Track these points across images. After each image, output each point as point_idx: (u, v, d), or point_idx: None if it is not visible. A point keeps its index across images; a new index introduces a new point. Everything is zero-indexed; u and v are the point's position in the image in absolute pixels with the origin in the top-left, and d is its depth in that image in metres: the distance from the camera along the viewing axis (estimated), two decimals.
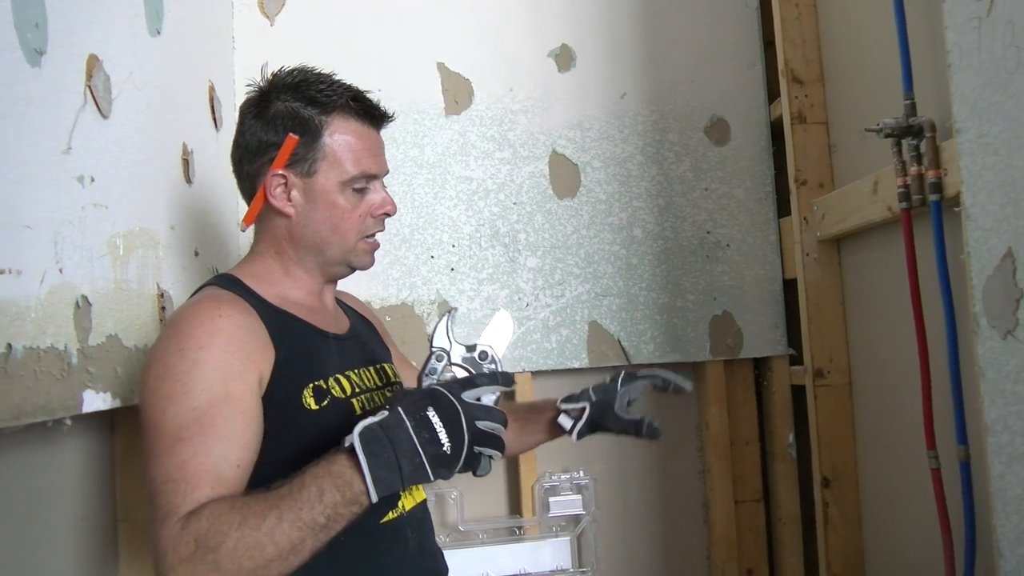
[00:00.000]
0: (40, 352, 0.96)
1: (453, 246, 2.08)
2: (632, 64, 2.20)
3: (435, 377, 1.12)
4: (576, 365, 2.09)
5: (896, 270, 1.65)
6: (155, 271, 1.35)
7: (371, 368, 1.27)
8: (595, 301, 2.12)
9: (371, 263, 1.27)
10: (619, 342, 2.11)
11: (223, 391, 1.02)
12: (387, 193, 1.25)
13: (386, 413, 0.98)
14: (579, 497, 2.10)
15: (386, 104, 1.27)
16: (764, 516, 2.23)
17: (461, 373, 1.12)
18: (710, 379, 2.18)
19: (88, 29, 1.14)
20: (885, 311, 1.80)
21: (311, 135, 1.18)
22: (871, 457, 1.90)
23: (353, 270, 1.27)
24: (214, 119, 1.75)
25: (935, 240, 1.48)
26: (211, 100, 1.74)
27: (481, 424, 0.99)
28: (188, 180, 1.54)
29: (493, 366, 1.13)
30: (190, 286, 1.46)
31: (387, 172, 1.26)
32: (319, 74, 1.22)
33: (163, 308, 1.36)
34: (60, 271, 1.02)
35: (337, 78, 1.23)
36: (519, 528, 2.08)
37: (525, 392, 2.07)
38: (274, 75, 1.23)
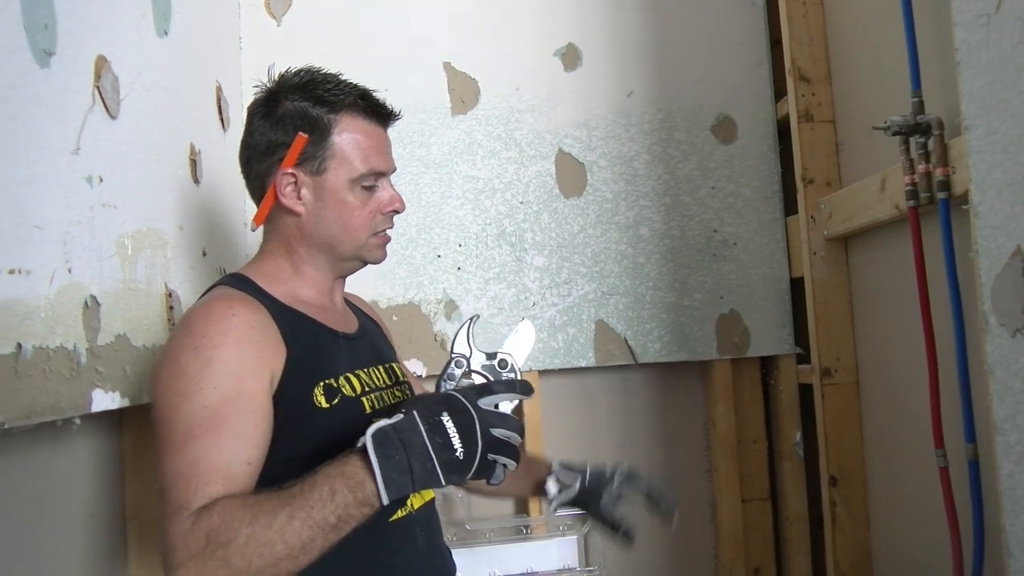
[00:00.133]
0: (49, 352, 0.97)
1: (460, 245, 2.08)
2: (639, 63, 2.20)
3: (453, 383, 1.11)
4: (583, 364, 2.09)
5: (904, 268, 1.65)
6: (163, 271, 1.35)
7: (380, 367, 1.28)
8: (602, 300, 2.12)
9: (383, 257, 1.28)
10: (626, 341, 2.11)
11: (235, 389, 1.02)
12: (395, 190, 1.26)
13: (401, 416, 0.98)
14: None
15: (393, 104, 1.28)
16: (771, 515, 2.22)
17: (480, 380, 1.11)
18: (717, 378, 2.17)
19: (96, 30, 1.14)
20: (893, 309, 1.79)
21: (320, 134, 1.19)
22: (879, 456, 1.89)
23: (365, 264, 1.27)
24: (221, 119, 1.75)
25: (943, 238, 1.47)
26: (218, 100, 1.75)
27: (496, 432, 0.99)
28: (196, 180, 1.54)
29: (512, 375, 1.13)
30: (198, 286, 1.47)
31: (395, 170, 1.27)
32: (326, 74, 1.23)
33: (171, 308, 1.36)
34: (69, 271, 1.03)
35: (344, 77, 1.24)
36: (526, 527, 2.08)
37: None
38: (281, 76, 1.24)
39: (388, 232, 1.27)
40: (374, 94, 1.25)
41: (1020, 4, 1.11)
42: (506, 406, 1.04)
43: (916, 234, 1.57)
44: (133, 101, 1.25)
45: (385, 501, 0.95)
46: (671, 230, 2.17)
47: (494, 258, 2.09)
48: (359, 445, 0.96)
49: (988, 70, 1.18)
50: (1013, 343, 1.15)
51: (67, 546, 1.17)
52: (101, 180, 1.13)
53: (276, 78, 1.24)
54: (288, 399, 1.09)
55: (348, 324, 1.29)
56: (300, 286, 1.23)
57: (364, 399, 1.19)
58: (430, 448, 0.95)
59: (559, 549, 2.07)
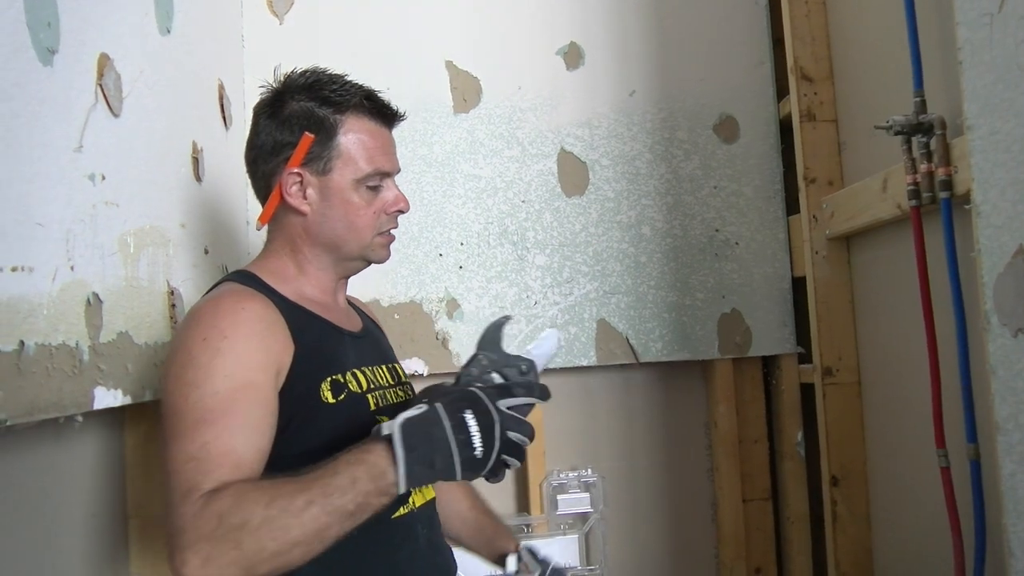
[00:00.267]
0: (52, 349, 0.97)
1: (462, 244, 2.08)
2: (641, 62, 2.20)
3: (475, 378, 1.11)
4: (584, 363, 2.09)
5: (906, 268, 1.65)
6: (165, 269, 1.35)
7: (383, 366, 1.29)
8: (603, 299, 2.12)
9: (387, 256, 1.29)
10: (627, 340, 2.11)
11: (245, 379, 1.04)
12: (400, 191, 1.26)
13: (425, 408, 0.99)
14: (587, 495, 2.11)
15: (395, 103, 1.28)
16: (772, 515, 2.22)
17: (499, 379, 1.12)
18: (719, 377, 2.17)
19: (99, 28, 1.14)
20: (895, 309, 1.79)
21: (326, 134, 1.20)
22: (880, 456, 1.89)
23: (369, 264, 1.28)
24: (224, 118, 1.75)
25: (945, 238, 1.47)
26: (221, 99, 1.75)
27: (512, 435, 1.00)
28: (198, 178, 1.54)
29: (532, 379, 1.12)
30: (200, 284, 1.47)
31: (399, 170, 1.28)
32: (332, 75, 1.24)
33: (173, 306, 1.37)
34: (72, 269, 1.03)
35: (349, 78, 1.25)
36: (527, 526, 2.09)
37: None
38: (287, 76, 1.25)
39: (392, 232, 1.28)
40: (379, 95, 1.26)
41: (1023, 3, 1.11)
42: (521, 410, 1.05)
43: (918, 234, 1.57)
44: (135, 99, 1.25)
45: (402, 490, 0.96)
46: (673, 229, 2.17)
47: (496, 257, 2.09)
48: (384, 432, 0.97)
49: (991, 69, 1.17)
50: (1015, 343, 1.15)
51: (69, 543, 1.17)
52: (104, 178, 1.13)
53: (282, 78, 1.25)
54: (295, 394, 1.09)
55: (352, 323, 1.30)
56: (305, 285, 1.24)
57: (369, 396, 1.20)
58: (453, 445, 0.96)
59: (561, 548, 2.07)
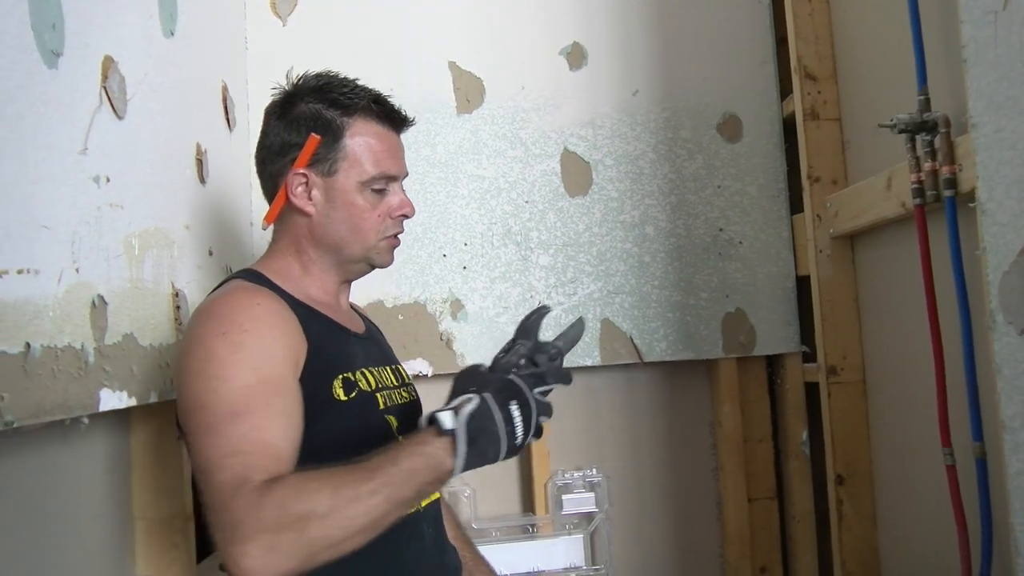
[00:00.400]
0: (58, 351, 0.97)
1: (465, 244, 2.08)
2: (644, 61, 2.20)
3: (510, 363, 1.15)
4: (588, 363, 2.09)
5: (910, 266, 1.64)
6: (170, 270, 1.35)
7: (387, 368, 1.30)
8: (607, 299, 2.12)
9: (391, 261, 1.29)
10: (631, 340, 2.11)
11: (270, 371, 1.05)
12: (406, 195, 1.27)
13: (478, 401, 1.02)
14: (592, 495, 2.11)
15: (399, 103, 1.29)
16: (778, 514, 2.22)
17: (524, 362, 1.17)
18: (723, 377, 2.17)
19: (103, 30, 1.15)
20: (899, 308, 1.79)
21: (333, 135, 1.21)
22: (885, 454, 1.89)
23: (373, 268, 1.29)
24: (227, 119, 1.76)
25: (950, 236, 1.47)
26: (224, 100, 1.75)
27: (541, 419, 1.06)
28: (202, 180, 1.54)
29: (559, 364, 1.17)
30: (205, 285, 1.47)
31: (406, 174, 1.29)
32: (342, 78, 1.25)
33: (178, 307, 1.37)
34: (77, 271, 1.03)
35: (360, 82, 1.26)
36: (532, 526, 2.09)
37: None
38: (299, 78, 1.26)
39: (398, 237, 1.28)
40: (389, 99, 1.27)
41: None
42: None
43: (923, 232, 1.56)
44: (140, 101, 1.25)
45: (455, 476, 1.01)
46: (677, 229, 2.16)
47: (500, 257, 2.09)
48: (446, 426, 0.99)
49: (995, 67, 1.17)
50: (1021, 341, 1.14)
51: (74, 544, 1.17)
52: (108, 180, 1.13)
53: (294, 80, 1.26)
54: (308, 390, 1.10)
55: (356, 325, 1.32)
56: (310, 285, 1.25)
57: (378, 395, 1.21)
58: (503, 436, 1.01)
59: (565, 548, 2.07)
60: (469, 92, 2.12)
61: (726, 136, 2.21)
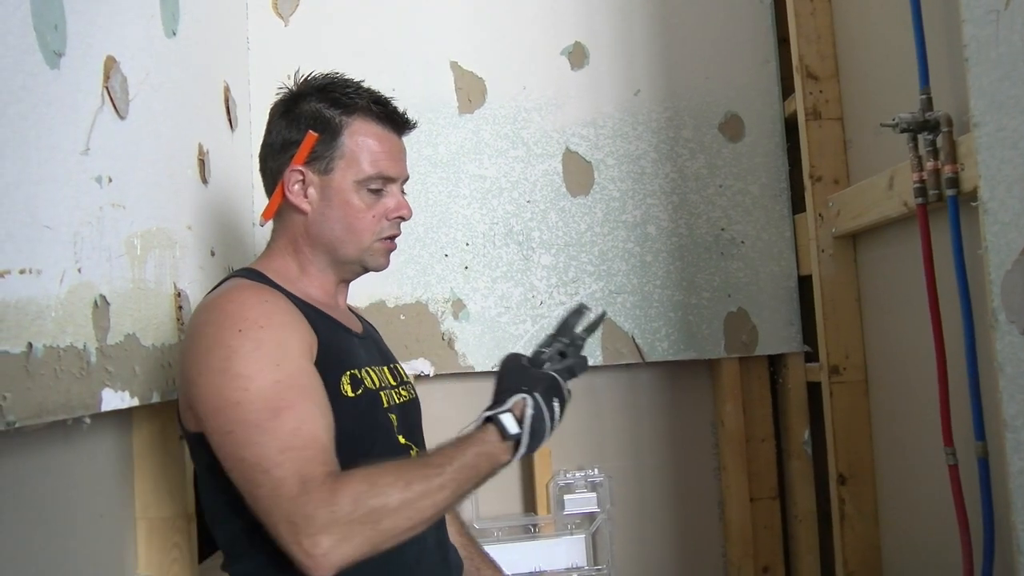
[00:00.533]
0: (60, 351, 0.97)
1: (467, 244, 2.08)
2: (646, 61, 2.20)
3: (548, 359, 1.23)
4: (590, 363, 2.07)
5: (912, 266, 1.64)
6: (172, 270, 1.36)
7: (386, 367, 1.30)
8: (609, 299, 2.11)
9: (386, 264, 1.28)
10: (633, 339, 2.11)
11: (295, 365, 1.06)
12: (404, 198, 1.27)
13: (532, 403, 1.09)
14: (594, 495, 2.11)
15: (400, 103, 1.29)
16: (780, 513, 2.22)
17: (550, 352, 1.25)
18: (725, 376, 2.17)
19: (106, 31, 1.15)
20: (901, 307, 1.79)
21: (331, 133, 1.21)
22: (888, 454, 1.89)
23: (367, 270, 1.28)
24: (229, 120, 1.76)
25: (952, 235, 1.47)
26: (226, 101, 1.75)
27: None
28: (204, 180, 1.55)
29: (584, 355, 1.26)
30: (207, 285, 1.47)
31: (406, 177, 1.28)
32: (346, 79, 1.26)
33: (180, 307, 1.37)
34: (79, 271, 1.03)
35: (365, 84, 1.26)
36: (534, 526, 2.09)
37: None
38: (304, 78, 1.27)
39: (394, 240, 1.28)
40: (391, 101, 1.27)
41: None
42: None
43: (925, 231, 1.56)
44: (142, 101, 1.26)
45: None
46: (679, 228, 2.16)
47: (501, 257, 2.09)
48: (511, 431, 1.07)
49: (997, 66, 1.17)
50: (1023, 340, 1.14)
51: (77, 544, 1.18)
52: (110, 180, 1.13)
53: (299, 80, 1.27)
54: None
55: (354, 325, 1.32)
56: (308, 285, 1.25)
57: (381, 393, 1.21)
58: (548, 432, 1.11)
59: (567, 548, 2.07)
60: (471, 92, 2.12)
61: (728, 135, 2.21)
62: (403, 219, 1.27)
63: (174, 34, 1.43)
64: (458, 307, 2.06)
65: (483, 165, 2.11)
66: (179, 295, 1.37)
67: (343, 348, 1.20)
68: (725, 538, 2.20)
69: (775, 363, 2.25)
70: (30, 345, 0.91)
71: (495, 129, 2.12)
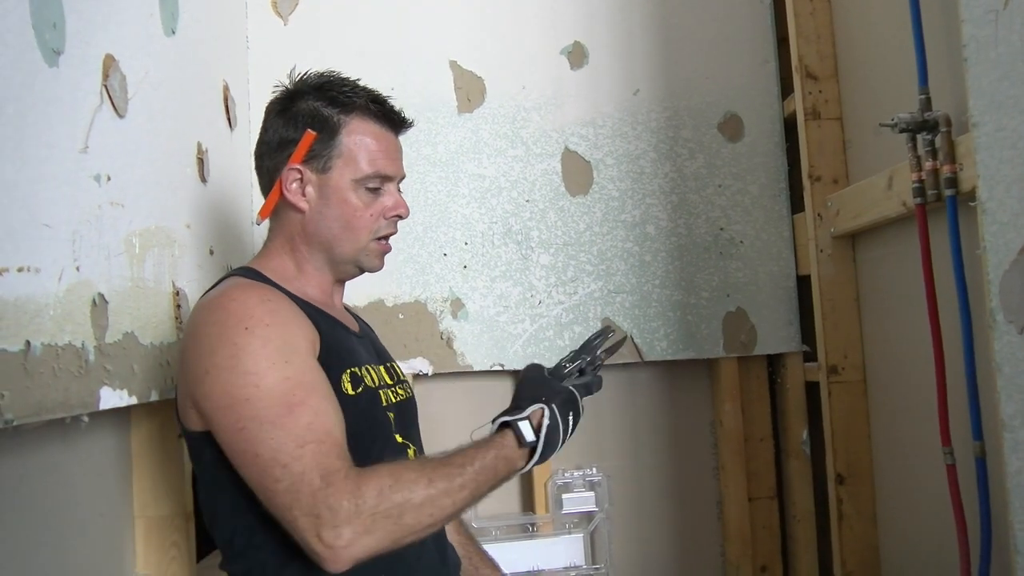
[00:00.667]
0: (58, 349, 0.97)
1: (466, 244, 2.08)
2: (645, 60, 2.20)
3: (569, 369, 1.29)
4: None
5: (911, 266, 1.64)
6: (171, 269, 1.36)
7: (383, 366, 1.30)
8: (608, 298, 2.12)
9: (380, 266, 1.29)
10: (632, 339, 2.11)
11: (302, 361, 1.07)
12: (401, 196, 1.27)
13: (550, 415, 1.14)
14: (592, 494, 2.11)
15: (400, 102, 1.30)
16: (778, 513, 2.22)
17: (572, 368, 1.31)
18: (724, 376, 2.17)
19: (104, 29, 1.15)
20: (900, 307, 1.79)
21: (329, 132, 1.21)
22: (886, 454, 1.89)
23: (362, 271, 1.29)
24: (228, 118, 1.76)
25: (950, 235, 1.47)
26: (225, 99, 1.75)
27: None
28: (203, 179, 1.55)
29: (600, 374, 1.31)
30: (205, 284, 1.47)
31: (403, 176, 1.29)
32: (343, 78, 1.26)
33: (179, 306, 1.37)
34: (77, 269, 1.03)
35: (362, 83, 1.27)
36: (532, 525, 2.09)
37: None
38: (301, 76, 1.27)
39: (389, 240, 1.28)
40: (388, 100, 1.27)
41: None
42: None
43: (923, 231, 1.56)
44: (141, 100, 1.26)
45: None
46: (678, 228, 2.16)
47: (500, 256, 2.09)
48: (527, 439, 1.12)
49: (996, 66, 1.17)
50: (1021, 340, 1.14)
51: (75, 543, 1.18)
52: (109, 179, 1.13)
53: (296, 78, 1.27)
54: None
55: (351, 324, 1.32)
56: (305, 284, 1.25)
57: (380, 391, 1.22)
58: (561, 443, 1.17)
59: (566, 547, 2.07)
60: (470, 91, 2.12)
61: (727, 135, 2.21)
62: (400, 217, 1.27)
63: (173, 33, 1.43)
64: (457, 306, 2.06)
65: (482, 164, 2.11)
66: (178, 294, 1.37)
67: (344, 346, 1.20)
68: (723, 537, 2.20)
69: (774, 363, 2.25)
70: (28, 343, 0.91)
71: (494, 128, 2.12)
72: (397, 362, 1.39)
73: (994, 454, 1.39)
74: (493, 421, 1.18)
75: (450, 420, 2.02)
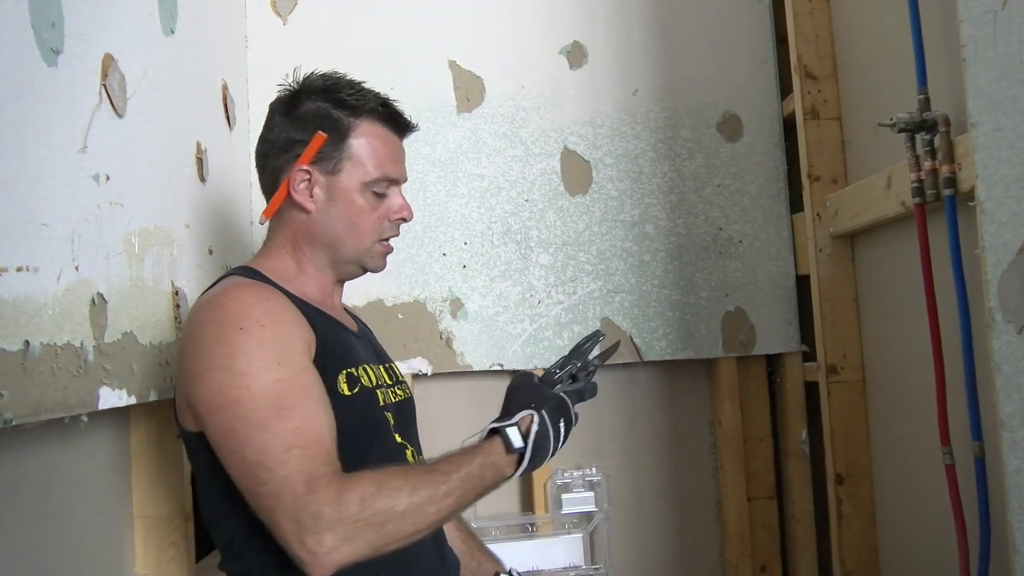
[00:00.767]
0: (57, 349, 0.97)
1: (465, 243, 2.08)
2: (644, 60, 2.20)
3: (558, 376, 1.26)
4: None
5: (910, 265, 1.64)
6: (170, 269, 1.36)
7: (381, 366, 1.30)
8: (607, 298, 2.12)
9: (383, 266, 1.30)
10: (631, 338, 2.11)
11: (297, 363, 1.07)
12: (405, 199, 1.27)
13: (539, 421, 1.13)
14: (592, 494, 2.11)
15: (399, 102, 1.30)
16: (777, 513, 2.22)
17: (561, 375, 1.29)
18: (723, 376, 2.17)
19: (103, 29, 1.15)
20: (899, 307, 1.79)
21: (339, 135, 1.22)
22: (885, 453, 1.89)
23: (364, 272, 1.29)
24: (227, 118, 1.76)
25: (949, 235, 1.47)
26: (224, 99, 1.75)
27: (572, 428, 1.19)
28: (202, 178, 1.55)
29: (594, 380, 1.29)
30: (204, 284, 1.47)
31: (407, 179, 1.30)
32: (350, 80, 1.27)
33: (178, 306, 1.37)
34: (76, 269, 1.03)
35: (366, 85, 1.27)
36: (532, 525, 2.09)
37: None
38: (306, 77, 1.27)
39: (392, 242, 1.29)
40: (395, 103, 1.28)
41: None
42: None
43: (922, 231, 1.56)
44: (140, 99, 1.26)
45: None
46: (676, 228, 2.16)
47: (499, 256, 2.09)
48: (515, 445, 1.11)
49: (995, 66, 1.17)
50: (1019, 339, 1.14)
51: (74, 543, 1.18)
52: (108, 178, 1.13)
53: (301, 78, 1.27)
54: None
55: (350, 323, 1.32)
56: (305, 284, 1.25)
57: (378, 391, 1.22)
58: (551, 450, 1.15)
59: (565, 547, 2.07)
60: (469, 91, 2.12)
61: (726, 135, 2.21)
62: (404, 220, 1.28)
63: (172, 32, 1.43)
64: (456, 306, 2.06)
65: (481, 164, 2.11)
66: (177, 293, 1.37)
67: (341, 346, 1.20)
68: (722, 537, 2.20)
69: (773, 363, 2.25)
70: (27, 343, 0.91)
71: (493, 128, 2.12)
72: (396, 363, 1.39)
73: (993, 454, 1.39)
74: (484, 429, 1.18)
75: (449, 420, 2.03)
